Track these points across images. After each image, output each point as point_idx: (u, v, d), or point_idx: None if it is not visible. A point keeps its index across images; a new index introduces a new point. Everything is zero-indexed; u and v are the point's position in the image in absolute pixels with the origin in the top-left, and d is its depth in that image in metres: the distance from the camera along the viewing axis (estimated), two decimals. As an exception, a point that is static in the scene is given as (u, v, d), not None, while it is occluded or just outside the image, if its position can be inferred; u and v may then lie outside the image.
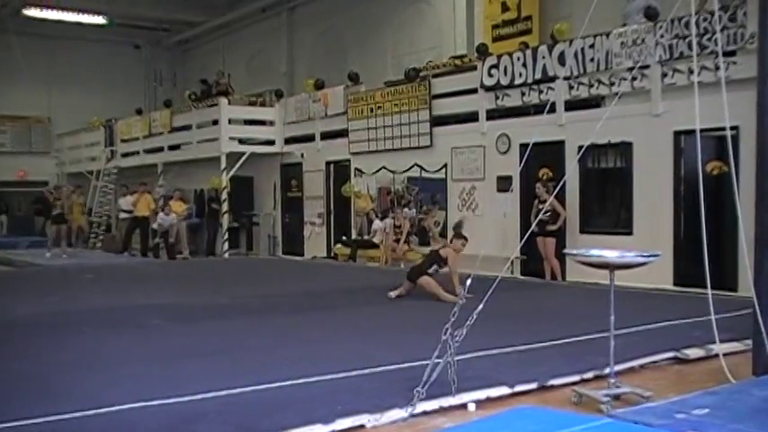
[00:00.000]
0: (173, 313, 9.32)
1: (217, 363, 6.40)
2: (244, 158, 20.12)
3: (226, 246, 20.30)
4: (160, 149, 23.44)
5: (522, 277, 13.61)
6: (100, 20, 27.86)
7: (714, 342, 6.05)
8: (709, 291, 5.86)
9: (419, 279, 10.33)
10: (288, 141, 20.57)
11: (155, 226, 20.43)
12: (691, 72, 11.02)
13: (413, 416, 4.88)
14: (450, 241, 10.83)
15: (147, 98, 30.76)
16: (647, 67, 12.11)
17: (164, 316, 9.04)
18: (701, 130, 6.26)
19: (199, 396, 5.15)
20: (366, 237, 17.49)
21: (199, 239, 22.29)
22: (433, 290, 10.13)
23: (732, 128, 8.76)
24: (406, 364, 5.91)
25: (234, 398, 5.16)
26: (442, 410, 5.02)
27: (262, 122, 21.16)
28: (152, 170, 23.62)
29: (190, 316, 9.17)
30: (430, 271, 10.39)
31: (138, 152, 24.64)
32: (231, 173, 20.06)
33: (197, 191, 23.02)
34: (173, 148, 22.93)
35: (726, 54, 10.90)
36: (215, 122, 20.66)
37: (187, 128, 22.13)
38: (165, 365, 6.28)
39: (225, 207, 20.23)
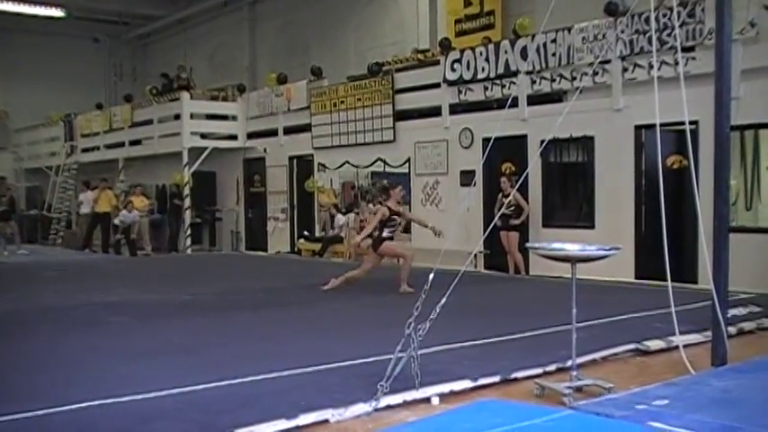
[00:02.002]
0: (134, 310, 9.22)
1: (178, 360, 6.33)
2: (206, 153, 19.99)
3: (188, 242, 20.16)
4: (121, 145, 23.20)
5: (486, 271, 13.67)
6: (58, 12, 27.48)
7: (675, 334, 6.12)
8: (670, 283, 5.92)
9: (380, 248, 10.54)
10: (250, 136, 20.48)
11: (116, 222, 20.25)
12: (651, 67, 11.12)
13: (377, 410, 4.87)
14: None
15: (107, 93, 30.38)
16: (608, 62, 12.21)
17: (125, 313, 8.95)
18: (662, 125, 6.31)
19: (159, 394, 5.08)
20: (332, 232, 17.46)
21: (161, 235, 22.10)
22: (398, 252, 10.77)
23: (692, 122, 8.86)
24: (369, 359, 5.90)
25: (195, 395, 5.11)
26: (405, 404, 5.02)
27: (224, 117, 21.01)
28: (113, 165, 23.41)
29: (151, 313, 9.08)
30: (385, 235, 10.52)
31: (98, 147, 24.37)
32: (193, 168, 19.92)
33: (159, 186, 22.85)
34: (134, 143, 22.73)
35: (685, 50, 11.01)
36: (177, 117, 20.48)
37: (148, 123, 21.91)
38: (125, 363, 6.20)
39: (187, 203, 20.07)
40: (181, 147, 19.80)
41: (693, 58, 10.97)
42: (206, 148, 20.07)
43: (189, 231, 20.20)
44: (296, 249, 18.74)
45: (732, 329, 7.06)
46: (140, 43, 32.38)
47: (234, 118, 20.77)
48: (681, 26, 11.09)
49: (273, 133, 19.58)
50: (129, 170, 23.34)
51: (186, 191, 19.94)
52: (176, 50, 28.90)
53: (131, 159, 23.16)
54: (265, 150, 19.88)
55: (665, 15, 11.14)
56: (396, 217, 10.65)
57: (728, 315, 6.34)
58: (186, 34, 28.96)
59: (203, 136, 20.51)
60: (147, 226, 20.88)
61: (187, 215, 20.15)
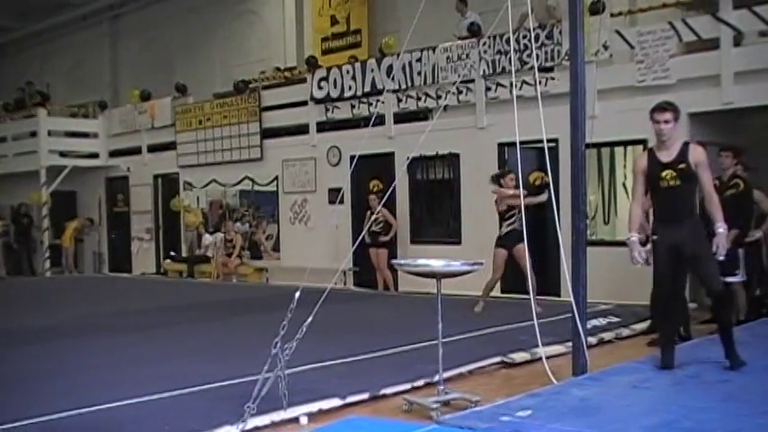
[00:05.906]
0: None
1: (39, 387, 6.04)
2: (65, 172, 19.24)
3: (47, 264, 19.34)
4: (-29, 163, 22.03)
5: (355, 288, 13.69)
6: None
7: (538, 346, 6.28)
8: (532, 296, 6.09)
9: (516, 246, 9.06)
10: (113, 154, 19.87)
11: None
12: (513, 86, 11.43)
13: (244, 432, 4.78)
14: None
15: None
16: (471, 81, 12.49)
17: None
18: (523, 143, 6.47)
19: (20, 424, 4.85)
20: (198, 252, 17.14)
21: (17, 258, 21.09)
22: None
23: (552, 140, 9.14)
24: (236, 380, 5.79)
25: (56, 423, 4.91)
26: (273, 425, 4.96)
27: (84, 135, 20.32)
28: (-38, 185, 22.19)
29: (9, 339, 8.63)
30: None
31: (-55, 166, 23.06)
32: (52, 187, 19.15)
33: (14, 207, 21.80)
34: (-15, 161, 21.63)
35: (544, 70, 11.42)
36: (33, 134, 19.66)
37: (2, 140, 20.89)
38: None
39: (46, 223, 19.26)
40: (38, 165, 19.00)
41: (552, 78, 11.38)
42: (65, 166, 19.32)
43: (48, 253, 19.40)
44: (162, 270, 18.28)
45: (592, 339, 7.32)
46: (-8, 56, 30.92)
47: (95, 135, 20.09)
48: (540, 47, 11.48)
49: (137, 151, 19.06)
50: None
51: (45, 211, 19.13)
52: (33, 64, 27.75)
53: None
54: (128, 169, 19.31)
55: (525, 36, 11.49)
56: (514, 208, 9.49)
57: (589, 326, 6.56)
58: (44, 48, 27.83)
59: (62, 154, 19.76)
60: (0, 248, 19.93)
61: (46, 236, 19.34)
